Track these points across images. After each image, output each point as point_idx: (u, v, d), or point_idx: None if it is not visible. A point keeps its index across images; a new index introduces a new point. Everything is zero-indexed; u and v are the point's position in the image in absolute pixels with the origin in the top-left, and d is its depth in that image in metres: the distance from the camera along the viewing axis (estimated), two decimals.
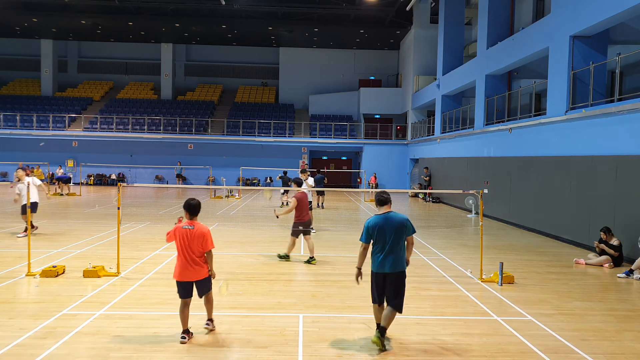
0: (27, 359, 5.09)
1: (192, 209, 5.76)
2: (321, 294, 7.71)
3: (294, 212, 10.06)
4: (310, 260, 9.89)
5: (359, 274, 5.78)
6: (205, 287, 5.79)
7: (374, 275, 5.69)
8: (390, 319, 5.58)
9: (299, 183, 10.85)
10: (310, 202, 13.57)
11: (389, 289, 5.61)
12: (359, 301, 7.34)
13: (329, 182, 27.06)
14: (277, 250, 10.93)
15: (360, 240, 5.76)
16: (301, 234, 10.10)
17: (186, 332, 5.60)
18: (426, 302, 7.25)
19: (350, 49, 38.88)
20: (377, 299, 5.73)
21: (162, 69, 39.00)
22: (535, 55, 16.15)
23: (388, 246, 5.56)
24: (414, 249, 6.59)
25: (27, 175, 12.73)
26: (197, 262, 5.64)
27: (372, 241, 5.68)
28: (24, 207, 11.75)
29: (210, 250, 5.73)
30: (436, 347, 5.65)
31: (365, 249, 5.72)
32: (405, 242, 5.72)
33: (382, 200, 5.76)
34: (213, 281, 5.88)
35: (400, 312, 5.64)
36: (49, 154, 31.69)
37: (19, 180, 12.17)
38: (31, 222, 12.44)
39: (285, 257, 10.19)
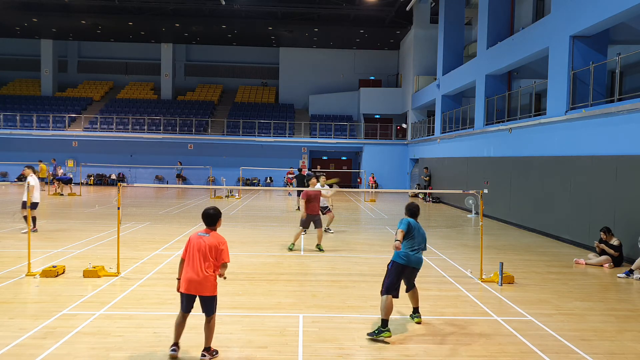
0: (27, 359, 5.09)
1: (208, 218, 5.29)
2: (321, 294, 7.71)
3: (304, 204, 11.06)
4: (319, 247, 11.16)
5: (400, 245, 6.05)
6: (209, 306, 5.19)
7: (403, 268, 6.06)
8: (417, 296, 6.52)
9: (311, 180, 11.98)
10: (326, 206, 13.70)
11: (409, 280, 6.35)
12: (359, 301, 7.34)
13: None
14: (277, 249, 11.14)
15: (402, 228, 6.10)
16: (311, 226, 11.28)
17: (177, 344, 5.22)
18: (426, 302, 7.24)
19: (350, 49, 38.89)
20: (396, 291, 6.01)
21: (162, 69, 39.00)
22: (535, 55, 16.15)
23: (421, 246, 6.19)
24: None
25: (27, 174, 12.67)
26: (204, 274, 5.08)
27: (407, 237, 6.12)
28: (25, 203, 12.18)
29: (225, 263, 5.21)
30: (436, 347, 5.65)
31: (403, 236, 6.09)
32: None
33: (416, 213, 6.42)
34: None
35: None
36: (49, 154, 31.66)
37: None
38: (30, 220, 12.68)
39: (292, 247, 11.18)
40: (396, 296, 5.99)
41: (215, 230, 5.31)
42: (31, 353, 5.21)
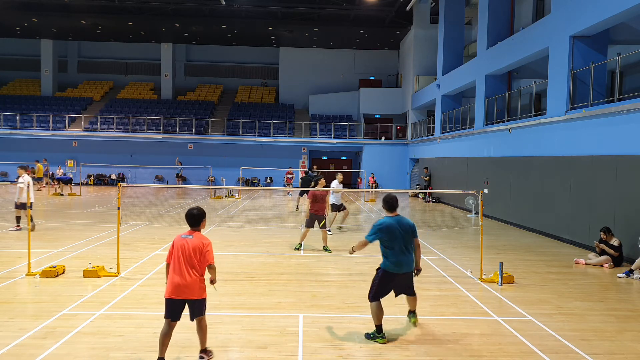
0: (27, 359, 5.09)
1: (192, 219, 5.05)
2: (321, 294, 7.71)
3: (309, 204, 11.15)
4: (325, 248, 11.23)
5: (352, 252, 6.39)
6: (198, 309, 4.99)
7: (388, 275, 5.86)
8: (415, 301, 6.32)
9: (317, 183, 12.08)
10: (342, 204, 14.09)
11: (402, 287, 6.04)
12: (359, 301, 7.34)
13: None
14: (277, 250, 11.15)
15: (367, 238, 5.94)
16: (315, 225, 11.30)
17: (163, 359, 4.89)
18: (426, 302, 7.24)
19: (350, 49, 38.89)
20: (379, 297, 5.87)
21: (162, 69, 39.00)
22: (535, 55, 16.15)
23: (404, 247, 5.86)
24: None
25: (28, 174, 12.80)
26: (191, 277, 4.85)
27: (380, 241, 5.91)
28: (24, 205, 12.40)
29: (211, 265, 4.98)
30: (436, 347, 5.65)
31: (366, 245, 6.05)
32: (414, 245, 6.04)
33: (393, 205, 6.03)
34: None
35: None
36: (49, 154, 31.68)
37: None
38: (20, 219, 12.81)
39: (299, 247, 11.28)
40: (377, 300, 5.88)
41: (199, 231, 5.09)
42: (31, 353, 5.21)
